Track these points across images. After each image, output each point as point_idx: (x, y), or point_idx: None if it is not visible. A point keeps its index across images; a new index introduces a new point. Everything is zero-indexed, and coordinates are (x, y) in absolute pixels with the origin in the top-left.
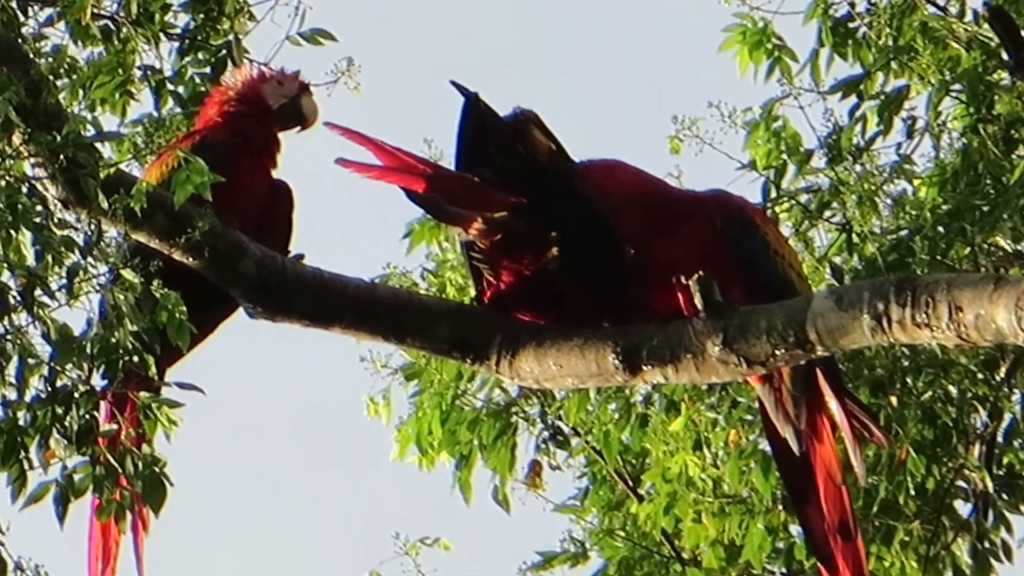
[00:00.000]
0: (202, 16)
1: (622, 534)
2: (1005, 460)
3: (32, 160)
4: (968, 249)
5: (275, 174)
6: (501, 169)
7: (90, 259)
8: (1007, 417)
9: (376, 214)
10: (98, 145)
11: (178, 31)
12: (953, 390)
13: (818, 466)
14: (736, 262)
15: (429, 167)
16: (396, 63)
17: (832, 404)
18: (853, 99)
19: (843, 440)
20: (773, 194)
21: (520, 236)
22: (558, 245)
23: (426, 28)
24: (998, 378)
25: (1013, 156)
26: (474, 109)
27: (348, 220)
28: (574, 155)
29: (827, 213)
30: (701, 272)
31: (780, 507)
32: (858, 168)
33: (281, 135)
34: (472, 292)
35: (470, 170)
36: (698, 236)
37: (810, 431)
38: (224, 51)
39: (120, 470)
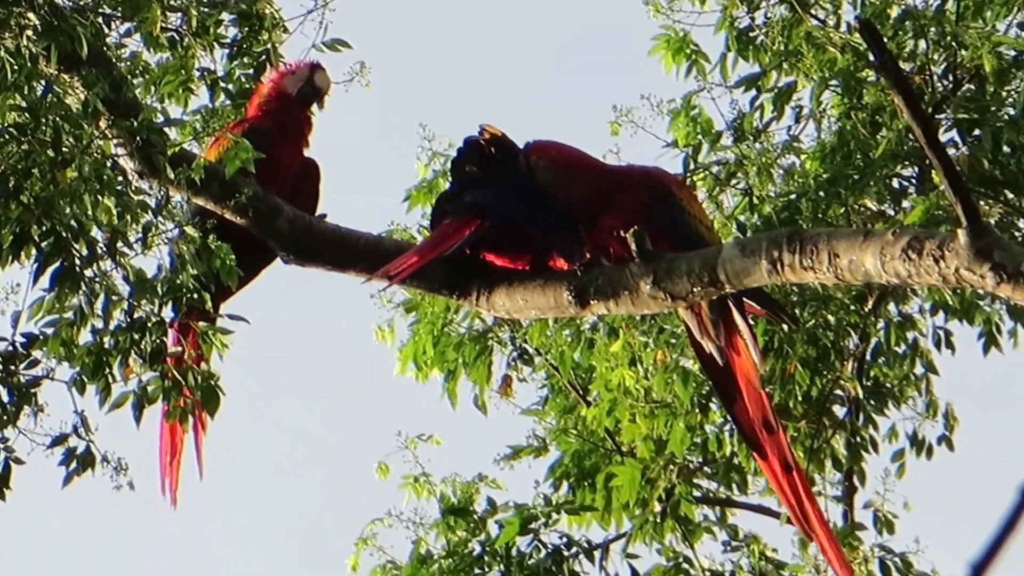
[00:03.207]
0: (247, 29)
1: (574, 432)
2: (872, 373)
3: (115, 141)
4: (843, 209)
5: (308, 152)
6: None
7: (160, 218)
8: (873, 340)
9: (383, 183)
10: (166, 129)
11: (228, 41)
12: (831, 318)
13: (739, 374)
14: (659, 220)
15: (422, 250)
16: (397, 60)
17: (742, 325)
18: (753, 92)
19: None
20: (691, 167)
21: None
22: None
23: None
24: (866, 309)
25: (878, 136)
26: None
27: (363, 187)
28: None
29: (733, 181)
30: (635, 227)
31: (697, 410)
32: (757, 146)
33: (312, 117)
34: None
35: (463, 170)
36: (630, 201)
37: (728, 347)
38: (264, 57)
39: (183, 383)
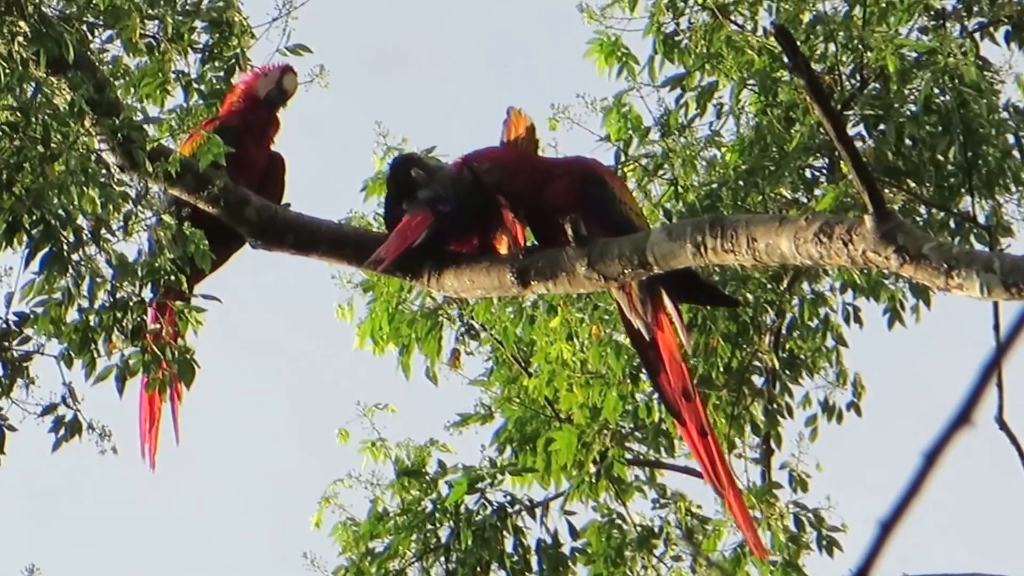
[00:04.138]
0: (218, 35)
1: (517, 401)
2: (787, 346)
3: (99, 137)
4: (760, 197)
5: (276, 147)
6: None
7: (140, 207)
8: (788, 315)
9: (343, 174)
10: (145, 127)
11: (201, 46)
12: (750, 296)
13: (663, 348)
14: (593, 206)
15: (398, 239)
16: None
17: (668, 304)
18: (678, 91)
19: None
20: (623, 159)
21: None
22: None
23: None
24: (782, 288)
25: (792, 131)
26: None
27: (324, 176)
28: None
29: (660, 172)
30: (572, 214)
31: (628, 381)
32: (682, 140)
33: (279, 116)
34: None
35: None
36: (565, 190)
37: (654, 323)
38: (234, 60)
39: (162, 357)
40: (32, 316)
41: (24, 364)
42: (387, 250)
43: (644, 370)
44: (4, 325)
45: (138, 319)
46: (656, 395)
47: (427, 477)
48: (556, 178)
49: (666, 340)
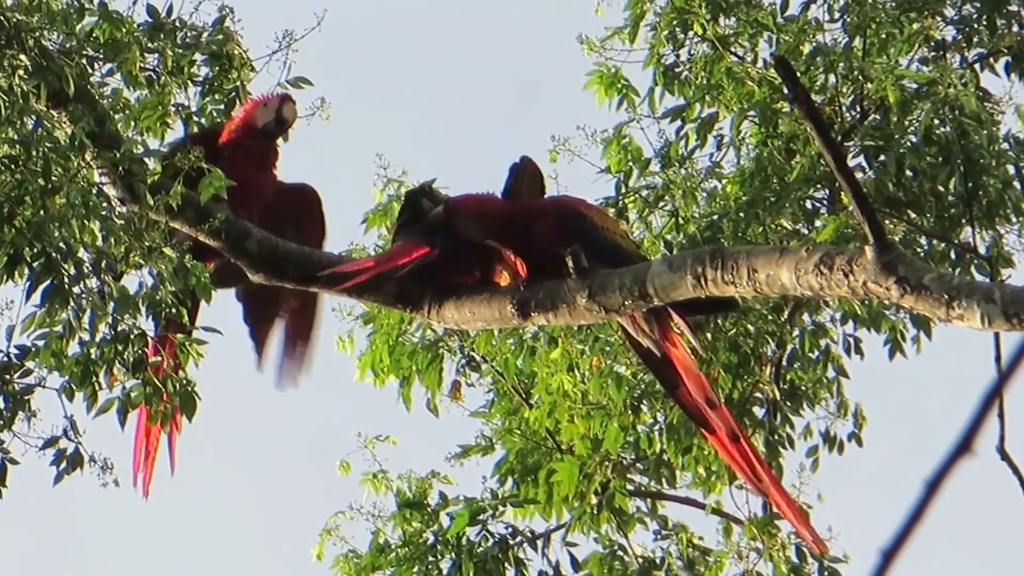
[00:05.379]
0: (217, 68)
1: (518, 432)
2: (788, 377)
3: (99, 170)
4: (761, 228)
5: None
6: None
7: (141, 240)
8: (789, 347)
9: (344, 206)
10: (145, 160)
11: (201, 79)
12: (751, 327)
13: (677, 362)
14: (577, 239)
15: (382, 259)
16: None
17: (673, 315)
18: (679, 122)
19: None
20: (623, 191)
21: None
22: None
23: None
24: (783, 319)
25: (792, 162)
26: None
27: (325, 208)
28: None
29: (661, 204)
30: (572, 246)
31: (629, 412)
32: (683, 171)
33: (277, 145)
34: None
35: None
36: (546, 228)
37: (663, 340)
38: (233, 93)
39: (163, 389)
40: (33, 349)
41: (26, 397)
42: (357, 266)
43: (662, 387)
44: (5, 358)
45: (139, 352)
46: (660, 426)
47: (429, 509)
48: (534, 222)
49: (679, 354)
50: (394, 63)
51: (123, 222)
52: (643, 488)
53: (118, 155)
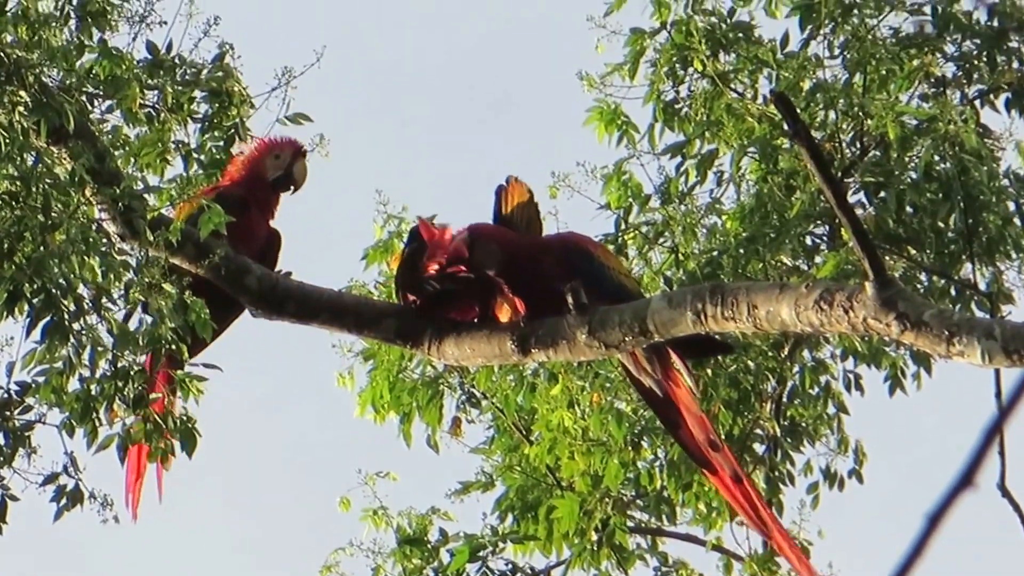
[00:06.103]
0: (217, 105)
1: (518, 468)
2: (789, 413)
3: (99, 207)
4: (761, 264)
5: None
6: None
7: (140, 276)
8: (790, 383)
9: (343, 243)
10: (145, 196)
11: (200, 116)
12: (751, 364)
13: (679, 402)
14: (582, 277)
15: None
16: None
17: (674, 356)
18: (678, 158)
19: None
20: (623, 227)
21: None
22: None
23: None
24: (783, 355)
25: (792, 198)
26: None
27: (325, 244)
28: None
29: (661, 240)
30: (572, 283)
31: (630, 448)
32: (682, 207)
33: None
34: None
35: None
36: (554, 265)
37: (665, 379)
38: (233, 130)
39: (164, 426)
40: (33, 385)
41: (26, 433)
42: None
43: (663, 427)
44: (5, 394)
45: (139, 388)
46: (660, 462)
47: (429, 545)
48: (542, 256)
49: (680, 394)
50: (390, 98)
51: (123, 258)
52: (643, 524)
53: (118, 191)
